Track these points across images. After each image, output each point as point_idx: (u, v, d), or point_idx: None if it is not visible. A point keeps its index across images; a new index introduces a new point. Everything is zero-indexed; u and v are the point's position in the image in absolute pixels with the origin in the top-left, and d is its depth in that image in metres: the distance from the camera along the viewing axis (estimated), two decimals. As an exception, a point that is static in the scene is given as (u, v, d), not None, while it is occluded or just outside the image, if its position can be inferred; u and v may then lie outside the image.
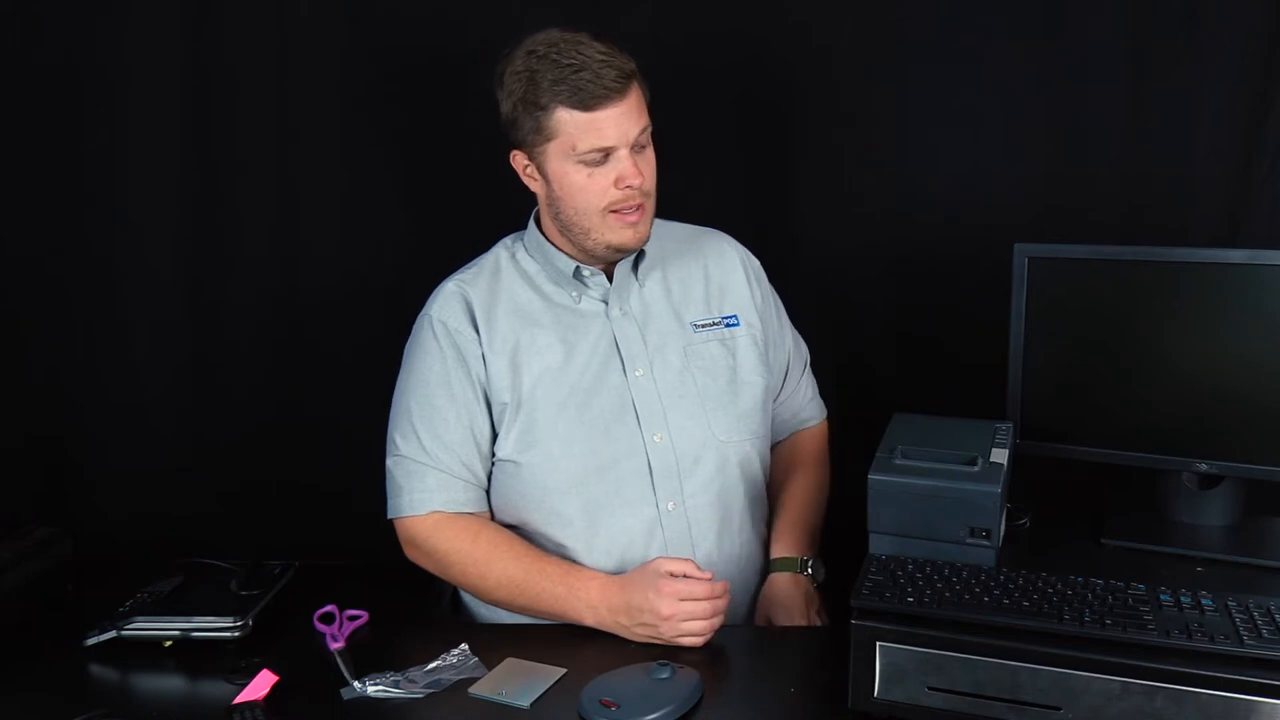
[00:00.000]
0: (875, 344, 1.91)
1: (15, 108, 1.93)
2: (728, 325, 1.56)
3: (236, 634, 1.37)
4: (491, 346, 1.48)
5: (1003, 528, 1.31)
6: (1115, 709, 1.09)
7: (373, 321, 1.94)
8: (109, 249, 1.98)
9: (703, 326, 1.55)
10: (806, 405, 1.72)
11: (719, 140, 1.89)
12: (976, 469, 1.27)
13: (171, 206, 1.97)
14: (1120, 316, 1.43)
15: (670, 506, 1.47)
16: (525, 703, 1.22)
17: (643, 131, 1.43)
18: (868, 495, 1.28)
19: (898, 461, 1.30)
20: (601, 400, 1.48)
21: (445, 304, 1.51)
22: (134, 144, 1.94)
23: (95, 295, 2.00)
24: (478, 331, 1.48)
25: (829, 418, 1.75)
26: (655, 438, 1.47)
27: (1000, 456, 1.31)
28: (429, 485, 1.46)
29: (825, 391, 1.76)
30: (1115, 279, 1.43)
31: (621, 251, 1.49)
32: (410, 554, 1.50)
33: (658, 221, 1.56)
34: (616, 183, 1.42)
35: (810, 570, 1.54)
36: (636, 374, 1.49)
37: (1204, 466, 1.40)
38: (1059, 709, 1.11)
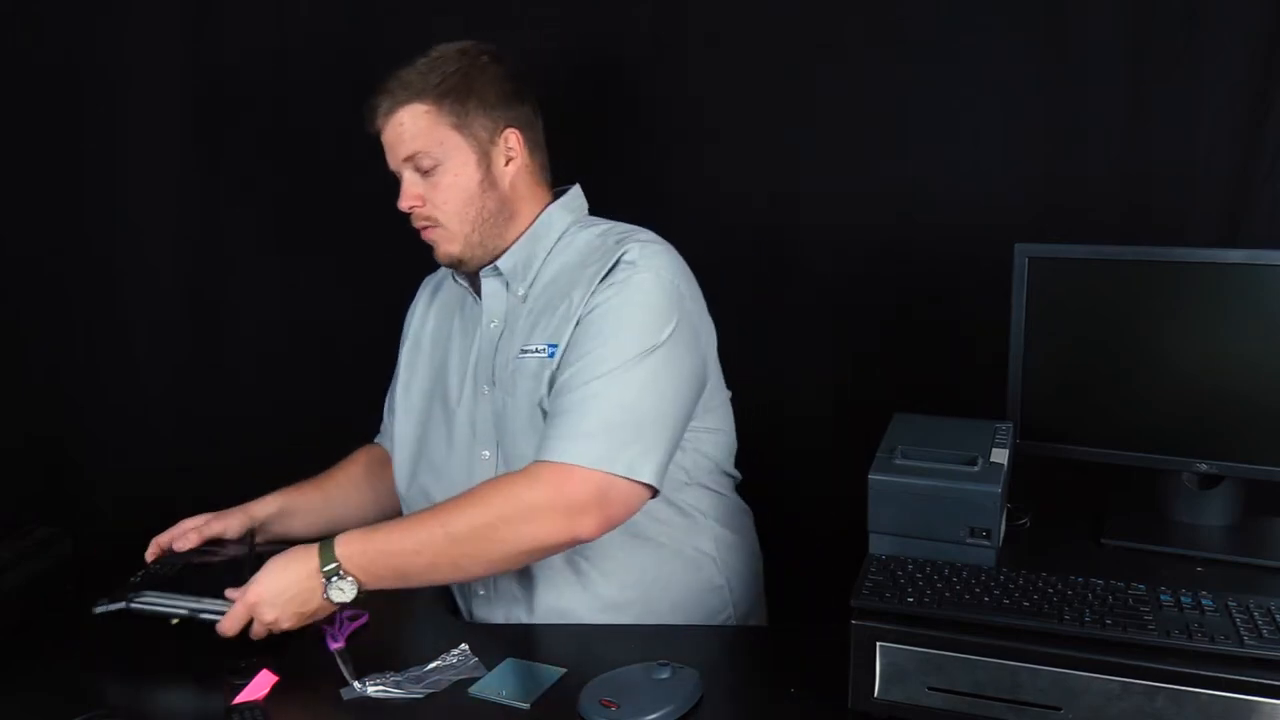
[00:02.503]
0: (875, 344, 1.91)
1: (15, 108, 1.93)
2: (551, 354, 1.39)
3: None
4: (413, 333, 1.61)
5: (1003, 528, 1.30)
6: (1115, 709, 1.08)
7: (373, 321, 1.94)
8: (109, 249, 1.98)
9: (526, 353, 1.42)
10: (550, 438, 1.32)
11: (718, 140, 1.88)
12: (976, 469, 1.27)
13: (171, 206, 1.97)
14: (1120, 316, 1.43)
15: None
16: (525, 703, 1.22)
17: (413, 157, 1.42)
18: (868, 495, 1.28)
19: (898, 461, 1.29)
20: (440, 408, 1.52)
21: (426, 285, 1.65)
22: (134, 144, 1.95)
23: (95, 295, 2.00)
24: (419, 318, 1.62)
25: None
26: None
27: (1000, 456, 1.31)
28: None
29: (825, 391, 1.75)
30: (1115, 279, 1.43)
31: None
32: None
33: (608, 224, 1.49)
34: None
35: (334, 577, 1.26)
36: (483, 391, 1.47)
37: (1204, 466, 1.40)
38: (1059, 709, 1.10)
